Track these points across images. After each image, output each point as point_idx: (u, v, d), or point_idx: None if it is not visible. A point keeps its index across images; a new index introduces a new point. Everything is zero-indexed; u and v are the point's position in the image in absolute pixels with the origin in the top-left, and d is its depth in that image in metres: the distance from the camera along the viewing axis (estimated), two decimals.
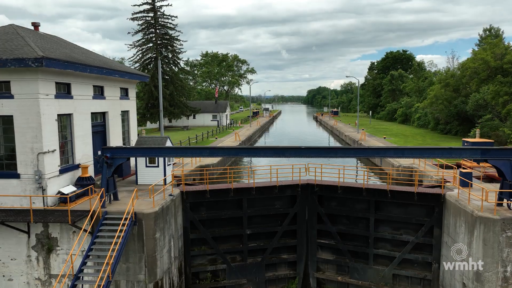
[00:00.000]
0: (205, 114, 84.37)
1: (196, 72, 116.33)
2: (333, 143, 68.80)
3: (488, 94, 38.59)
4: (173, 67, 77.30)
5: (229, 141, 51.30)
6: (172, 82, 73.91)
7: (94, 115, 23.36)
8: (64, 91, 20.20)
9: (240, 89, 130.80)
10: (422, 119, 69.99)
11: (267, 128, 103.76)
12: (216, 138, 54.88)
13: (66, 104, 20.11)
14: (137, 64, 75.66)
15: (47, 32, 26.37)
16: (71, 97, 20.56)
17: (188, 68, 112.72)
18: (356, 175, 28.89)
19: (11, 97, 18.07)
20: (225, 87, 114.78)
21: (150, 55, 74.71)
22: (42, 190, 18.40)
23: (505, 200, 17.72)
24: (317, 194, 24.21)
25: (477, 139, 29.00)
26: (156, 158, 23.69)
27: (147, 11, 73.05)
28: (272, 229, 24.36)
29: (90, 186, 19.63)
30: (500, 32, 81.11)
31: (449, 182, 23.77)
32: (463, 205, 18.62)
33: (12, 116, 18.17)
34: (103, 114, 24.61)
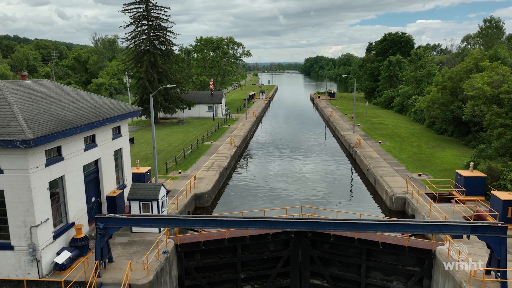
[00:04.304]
0: (200, 105, 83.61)
1: (190, 57, 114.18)
2: (330, 138, 68.73)
3: (484, 108, 38.36)
4: (167, 59, 75.86)
5: (224, 147, 51.25)
6: (166, 76, 72.72)
7: (86, 165, 23.20)
8: (54, 155, 19.94)
9: (236, 76, 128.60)
10: (419, 113, 69.74)
11: (264, 113, 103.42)
12: (212, 142, 54.74)
13: (57, 168, 19.93)
14: (130, 59, 74.22)
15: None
16: (62, 159, 20.34)
17: (183, 55, 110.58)
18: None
19: (1, 172, 17.89)
20: (219, 75, 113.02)
21: (143, 47, 73.04)
22: (36, 262, 18.58)
23: (492, 272, 18.06)
24: (310, 238, 24.52)
25: (470, 172, 29.10)
26: (150, 206, 23.85)
27: (139, 2, 70.81)
28: (266, 272, 24.85)
29: (85, 256, 19.92)
30: (501, 23, 79.81)
31: None
32: (452, 271, 18.99)
33: (2, 190, 18.05)
34: (96, 161, 24.41)
